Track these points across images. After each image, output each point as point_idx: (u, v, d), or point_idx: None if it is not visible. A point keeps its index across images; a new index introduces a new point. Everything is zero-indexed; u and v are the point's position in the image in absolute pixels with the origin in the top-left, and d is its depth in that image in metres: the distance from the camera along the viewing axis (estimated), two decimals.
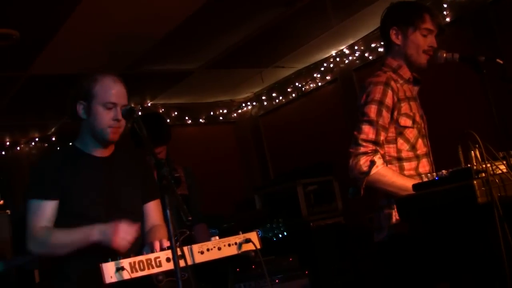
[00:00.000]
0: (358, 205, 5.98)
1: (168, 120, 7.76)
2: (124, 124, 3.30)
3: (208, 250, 2.80)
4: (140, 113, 6.31)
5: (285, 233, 4.22)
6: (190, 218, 2.44)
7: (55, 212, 3.24)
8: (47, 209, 3.22)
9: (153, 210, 3.47)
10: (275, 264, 5.85)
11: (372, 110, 3.33)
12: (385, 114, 3.34)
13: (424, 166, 3.45)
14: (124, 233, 2.92)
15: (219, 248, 2.84)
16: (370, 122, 3.32)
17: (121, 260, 2.57)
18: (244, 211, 7.61)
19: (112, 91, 3.24)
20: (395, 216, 3.33)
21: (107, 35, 5.57)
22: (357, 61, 7.09)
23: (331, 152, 7.18)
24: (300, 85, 7.84)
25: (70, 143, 3.45)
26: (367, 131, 3.31)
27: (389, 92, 3.35)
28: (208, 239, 2.88)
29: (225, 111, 8.73)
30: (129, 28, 5.49)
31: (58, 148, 7.56)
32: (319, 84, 7.64)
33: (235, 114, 8.85)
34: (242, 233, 2.93)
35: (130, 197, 3.38)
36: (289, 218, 6.33)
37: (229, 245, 2.87)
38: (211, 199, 6.30)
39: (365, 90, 3.41)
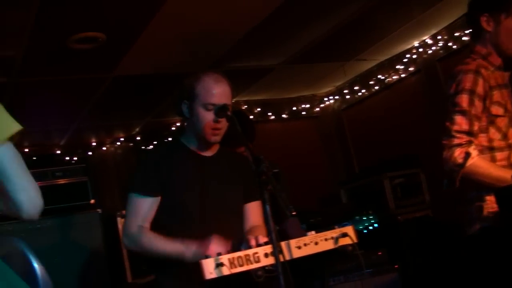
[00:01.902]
0: (446, 198, 5.87)
1: (251, 117, 7.79)
2: (225, 125, 3.31)
3: (305, 245, 2.80)
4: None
5: (375, 225, 4.19)
6: (294, 212, 2.44)
7: (154, 208, 3.30)
8: (147, 206, 3.29)
9: (253, 211, 3.49)
10: (364, 258, 5.80)
11: (464, 100, 3.25)
12: (478, 104, 3.26)
13: None
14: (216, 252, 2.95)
15: (316, 243, 2.83)
16: (463, 113, 3.24)
17: (220, 256, 2.60)
18: (330, 206, 7.59)
19: (213, 91, 3.25)
20: (486, 208, 3.26)
21: (190, 35, 5.62)
22: (441, 51, 6.94)
23: (416, 144, 7.11)
24: (382, 78, 7.75)
25: (176, 137, 3.52)
26: (460, 122, 3.24)
27: (480, 80, 3.27)
28: (301, 235, 2.88)
29: (307, 106, 8.70)
30: (211, 27, 5.53)
31: (165, 141, 7.71)
32: (402, 75, 7.53)
33: (317, 109, 8.82)
34: (338, 227, 2.92)
35: (230, 197, 3.41)
36: (376, 211, 6.28)
37: (325, 239, 2.87)
38: (297, 194, 6.29)
39: (455, 79, 3.33)
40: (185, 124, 3.48)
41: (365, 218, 4.08)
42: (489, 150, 3.33)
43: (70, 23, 4.90)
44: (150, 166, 3.35)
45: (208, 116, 3.25)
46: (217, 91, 3.26)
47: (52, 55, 5.47)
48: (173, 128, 8.19)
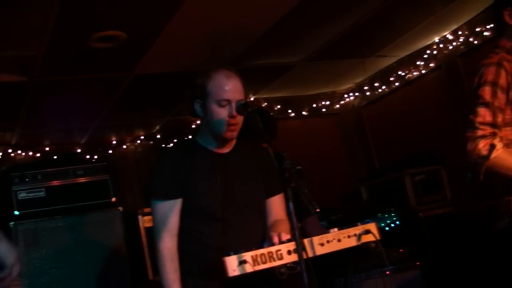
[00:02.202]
0: (468, 194, 5.84)
1: (271, 114, 7.78)
2: (240, 121, 3.29)
3: (328, 242, 2.80)
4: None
5: (397, 222, 4.17)
6: (318, 209, 2.44)
7: (177, 211, 3.30)
8: (169, 209, 3.29)
9: (276, 205, 3.47)
10: (386, 255, 5.78)
11: (486, 92, 3.24)
12: (500, 95, 3.24)
13: None
14: None
15: (339, 240, 2.83)
16: (486, 105, 3.23)
17: (243, 254, 2.60)
18: (351, 203, 7.57)
19: (226, 87, 3.23)
20: None
21: (210, 33, 5.62)
22: (462, 47, 6.89)
23: (438, 141, 7.08)
24: (403, 74, 7.70)
25: (191, 137, 3.51)
26: (483, 114, 3.22)
27: (503, 73, 3.26)
28: (321, 233, 2.88)
29: (327, 103, 8.68)
30: (231, 25, 5.53)
31: (180, 142, 7.73)
32: (423, 71, 7.48)
33: (337, 106, 8.80)
34: (361, 224, 2.91)
35: (250, 193, 3.38)
36: (397, 209, 6.26)
37: (348, 236, 2.86)
38: (317, 191, 6.27)
39: (478, 73, 3.33)
40: (200, 123, 3.46)
41: (387, 215, 4.06)
42: None
43: (90, 22, 4.91)
44: (167, 170, 3.34)
45: (222, 113, 3.23)
46: (229, 86, 3.25)
47: (73, 54, 5.50)
48: (193, 126, 8.20)
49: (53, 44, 5.13)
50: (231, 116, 3.22)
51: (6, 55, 5.25)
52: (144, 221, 6.63)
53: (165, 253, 3.24)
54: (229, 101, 3.23)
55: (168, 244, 3.26)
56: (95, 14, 4.79)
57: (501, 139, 3.22)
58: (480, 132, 3.19)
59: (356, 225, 2.91)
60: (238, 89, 3.28)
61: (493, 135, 3.18)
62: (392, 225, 4.10)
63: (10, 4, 4.35)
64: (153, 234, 3.35)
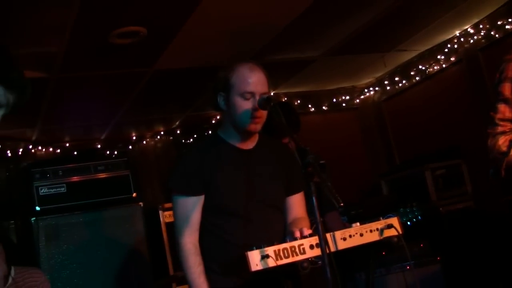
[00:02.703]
0: (489, 189, 5.80)
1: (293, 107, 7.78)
2: (264, 114, 3.27)
3: (350, 236, 2.79)
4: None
5: (419, 217, 4.15)
6: (342, 204, 2.43)
7: (199, 208, 3.30)
8: (191, 206, 3.29)
9: (296, 203, 3.47)
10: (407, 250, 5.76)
11: (506, 88, 3.23)
12: None
13: None
14: None
15: (361, 235, 2.83)
16: (506, 101, 3.22)
17: (266, 248, 2.59)
18: (371, 198, 7.55)
19: (249, 80, 3.22)
20: None
21: (230, 28, 5.61)
22: (483, 40, 6.83)
23: (458, 135, 7.04)
24: (423, 68, 7.66)
25: (214, 132, 3.50)
26: (503, 110, 3.22)
27: None
28: (342, 227, 2.87)
29: (347, 97, 8.65)
30: (252, 20, 5.52)
31: (203, 136, 7.75)
32: (443, 66, 7.43)
33: (357, 100, 8.76)
34: (383, 219, 2.90)
35: (272, 190, 3.39)
36: (418, 203, 6.23)
37: (371, 231, 2.86)
38: (337, 186, 6.22)
39: (499, 69, 3.31)
40: (223, 117, 3.46)
41: (408, 210, 4.04)
42: None
43: (111, 18, 4.92)
44: (189, 166, 3.34)
45: (246, 105, 3.23)
46: (253, 79, 3.24)
47: (93, 50, 5.51)
48: (213, 122, 8.21)
49: (73, 41, 5.14)
50: (255, 109, 3.21)
51: (27, 52, 5.26)
52: (165, 216, 6.64)
53: (189, 248, 3.24)
54: (252, 94, 3.22)
55: (191, 238, 3.26)
56: (115, 10, 4.79)
57: None
58: (500, 129, 3.18)
59: (379, 220, 2.90)
60: (262, 81, 3.27)
61: None
62: (414, 219, 4.06)
63: (31, 1, 4.36)
64: (174, 229, 3.35)
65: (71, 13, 4.65)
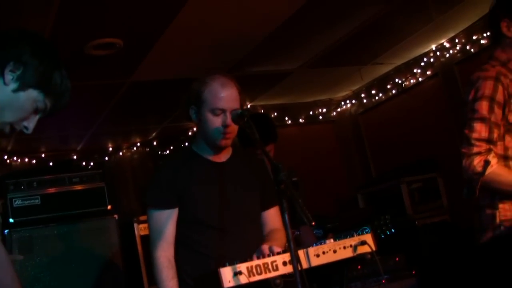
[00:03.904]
0: (464, 203, 5.82)
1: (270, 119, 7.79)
2: (235, 129, 3.27)
3: (324, 253, 2.78)
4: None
5: (392, 230, 4.16)
6: (313, 223, 2.43)
7: (173, 220, 3.29)
8: (165, 218, 3.28)
9: (272, 216, 3.46)
10: (382, 263, 5.75)
11: (483, 106, 3.20)
12: (497, 111, 3.20)
13: None
14: None
15: (335, 251, 2.82)
16: (482, 120, 3.19)
17: (238, 265, 2.58)
18: (347, 210, 7.56)
19: (220, 96, 3.21)
20: (499, 216, 3.22)
21: (207, 40, 5.62)
22: (458, 55, 6.89)
23: (434, 149, 7.07)
24: (400, 81, 7.70)
25: (188, 146, 3.50)
26: (479, 129, 3.19)
27: (500, 88, 3.21)
28: (314, 241, 2.86)
29: (324, 110, 8.66)
30: (229, 32, 5.52)
31: (178, 150, 7.71)
32: (420, 79, 7.48)
33: (334, 113, 8.79)
34: (356, 235, 2.90)
35: (247, 202, 3.38)
36: (393, 216, 6.25)
37: (344, 247, 2.85)
38: (313, 198, 6.26)
39: (474, 85, 3.27)
40: (196, 130, 3.45)
41: (382, 222, 4.05)
42: (504, 158, 3.26)
43: (87, 29, 4.91)
44: (163, 179, 3.33)
45: (217, 121, 3.22)
46: (224, 95, 3.22)
47: (69, 61, 5.42)
48: (190, 133, 8.19)
49: None
50: (225, 125, 3.21)
51: None
52: (140, 229, 6.59)
53: (162, 261, 3.22)
54: (223, 110, 3.21)
55: (165, 252, 3.24)
56: (91, 22, 4.79)
57: (496, 154, 3.20)
58: (475, 149, 3.17)
59: (352, 236, 2.90)
60: (233, 97, 3.25)
61: (489, 151, 3.15)
62: (388, 232, 4.07)
63: (6, 11, 4.33)
64: (149, 243, 3.33)
65: (47, 24, 4.63)
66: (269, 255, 2.73)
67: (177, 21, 5.01)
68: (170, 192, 3.28)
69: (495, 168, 3.12)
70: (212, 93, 3.23)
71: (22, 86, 2.16)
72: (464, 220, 6.29)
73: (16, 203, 5.94)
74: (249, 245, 3.17)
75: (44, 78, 2.18)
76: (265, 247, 2.93)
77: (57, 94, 2.22)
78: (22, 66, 2.15)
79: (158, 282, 3.21)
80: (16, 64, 2.14)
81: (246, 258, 2.68)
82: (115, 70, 5.93)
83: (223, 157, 3.41)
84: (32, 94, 2.19)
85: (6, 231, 5.82)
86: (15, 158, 7.78)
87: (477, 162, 3.14)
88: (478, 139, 3.17)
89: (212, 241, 3.23)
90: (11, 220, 5.88)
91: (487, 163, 3.11)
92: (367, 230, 3.13)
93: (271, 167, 2.60)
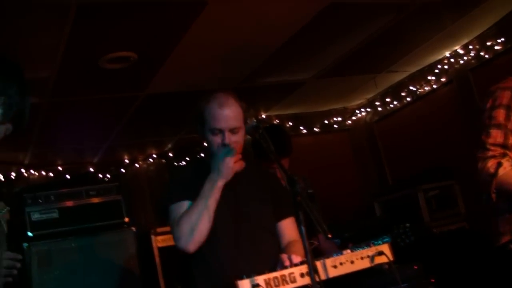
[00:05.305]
0: (482, 209, 5.80)
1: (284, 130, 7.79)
2: (238, 145, 3.29)
3: (341, 264, 2.78)
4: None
5: (412, 238, 4.15)
6: (330, 235, 2.43)
7: None
8: (186, 207, 3.25)
9: (287, 227, 3.44)
10: (400, 272, 5.73)
11: (500, 114, 3.30)
12: None
13: None
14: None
15: (352, 262, 2.81)
16: (499, 126, 3.28)
17: (256, 277, 2.58)
18: (364, 219, 7.54)
19: (218, 116, 3.24)
20: None
21: (221, 52, 5.63)
22: (473, 61, 6.88)
23: (451, 156, 7.04)
24: (414, 89, 7.69)
25: (201, 158, 3.52)
26: (495, 135, 3.27)
27: None
28: (333, 247, 2.86)
29: (339, 118, 8.66)
30: (242, 43, 5.53)
31: (190, 161, 7.73)
32: (434, 86, 7.47)
33: (349, 122, 8.78)
34: (376, 244, 2.90)
35: (259, 212, 3.37)
36: (411, 224, 6.22)
37: (361, 258, 2.85)
38: (329, 207, 6.26)
39: (492, 95, 3.40)
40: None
41: (401, 231, 4.04)
42: None
43: (101, 43, 4.95)
44: (181, 177, 3.42)
45: (216, 140, 3.26)
46: (222, 115, 3.24)
47: (84, 75, 5.52)
48: (205, 144, 8.19)
49: (64, 66, 5.16)
50: (224, 144, 3.24)
51: None
52: (157, 241, 6.62)
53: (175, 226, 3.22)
54: (220, 130, 3.25)
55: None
56: (105, 36, 4.82)
57: (510, 159, 3.25)
58: (490, 153, 3.25)
59: (370, 246, 2.90)
60: (232, 117, 3.27)
61: (503, 155, 3.23)
62: (407, 240, 4.06)
63: (21, 27, 4.38)
64: (175, 241, 3.24)
65: (62, 39, 4.67)
66: (289, 266, 2.74)
67: (190, 33, 5.03)
68: (186, 188, 3.29)
69: (509, 170, 3.18)
70: (211, 113, 3.26)
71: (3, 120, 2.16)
72: (482, 227, 6.28)
73: (34, 216, 5.99)
74: (264, 255, 3.19)
75: (19, 112, 2.20)
76: (284, 256, 2.94)
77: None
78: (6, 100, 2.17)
79: (187, 218, 3.17)
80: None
81: (262, 268, 2.68)
82: (130, 83, 5.95)
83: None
84: (7, 126, 2.21)
85: (25, 244, 5.86)
86: (32, 172, 7.82)
87: (491, 164, 3.21)
88: (494, 144, 3.25)
89: (228, 254, 3.22)
90: (29, 233, 5.92)
91: (499, 164, 3.18)
92: (386, 240, 3.13)
93: (286, 179, 2.60)
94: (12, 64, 2.25)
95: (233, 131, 3.25)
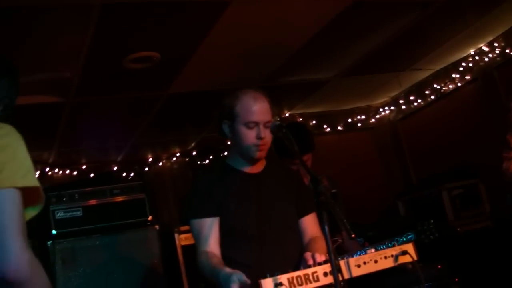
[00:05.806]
0: (507, 208, 5.75)
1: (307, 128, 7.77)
2: (269, 141, 3.30)
3: (364, 263, 2.77)
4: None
5: (436, 235, 4.12)
6: (353, 235, 2.42)
7: (215, 228, 3.27)
8: (207, 226, 3.27)
9: (310, 224, 3.45)
10: (424, 272, 5.69)
11: None
12: None
13: None
14: None
15: (376, 261, 2.81)
16: None
17: (279, 276, 2.58)
18: (388, 218, 7.51)
19: (253, 109, 3.25)
20: None
21: (244, 51, 5.64)
22: (498, 59, 6.82)
23: (475, 154, 6.99)
24: (438, 87, 7.64)
25: (221, 160, 3.51)
26: None
27: None
28: (357, 248, 2.85)
29: (363, 117, 8.64)
30: (265, 43, 5.53)
31: (211, 165, 7.74)
32: (458, 84, 7.42)
33: (373, 120, 8.74)
34: (400, 241, 2.89)
35: (284, 212, 3.38)
36: (436, 222, 6.19)
37: (385, 257, 2.84)
38: (353, 206, 6.23)
39: None
40: (230, 144, 3.48)
41: (426, 228, 4.01)
42: None
43: (125, 43, 4.97)
44: (202, 192, 3.35)
45: (250, 134, 3.26)
46: (257, 108, 3.26)
47: (108, 75, 5.55)
48: (228, 143, 8.21)
49: (88, 66, 5.19)
50: (259, 138, 3.24)
51: (43, 77, 5.31)
52: (181, 239, 6.64)
53: (207, 256, 3.20)
54: (256, 123, 3.25)
55: (209, 249, 3.24)
56: (129, 36, 4.84)
57: None
58: None
59: (394, 245, 2.88)
60: (265, 110, 3.29)
61: None
62: (431, 237, 4.03)
63: (46, 28, 4.41)
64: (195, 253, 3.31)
65: (86, 39, 4.70)
66: (312, 265, 2.73)
67: (213, 33, 5.04)
68: (209, 202, 3.29)
69: None
70: (245, 107, 3.27)
71: None
72: (507, 226, 6.23)
73: (58, 215, 6.01)
74: (289, 255, 3.20)
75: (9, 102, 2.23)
76: (308, 255, 2.94)
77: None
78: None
79: (206, 268, 3.16)
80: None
81: (287, 268, 2.68)
82: (153, 82, 5.98)
83: (258, 168, 3.44)
84: None
85: (49, 242, 5.90)
86: (56, 170, 7.87)
87: None
88: None
89: (252, 252, 3.23)
90: (54, 231, 5.95)
91: None
92: (410, 236, 3.12)
93: (310, 178, 2.59)
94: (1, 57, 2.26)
95: (266, 125, 3.26)
